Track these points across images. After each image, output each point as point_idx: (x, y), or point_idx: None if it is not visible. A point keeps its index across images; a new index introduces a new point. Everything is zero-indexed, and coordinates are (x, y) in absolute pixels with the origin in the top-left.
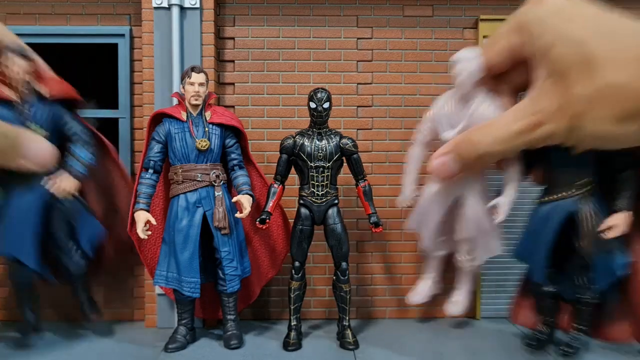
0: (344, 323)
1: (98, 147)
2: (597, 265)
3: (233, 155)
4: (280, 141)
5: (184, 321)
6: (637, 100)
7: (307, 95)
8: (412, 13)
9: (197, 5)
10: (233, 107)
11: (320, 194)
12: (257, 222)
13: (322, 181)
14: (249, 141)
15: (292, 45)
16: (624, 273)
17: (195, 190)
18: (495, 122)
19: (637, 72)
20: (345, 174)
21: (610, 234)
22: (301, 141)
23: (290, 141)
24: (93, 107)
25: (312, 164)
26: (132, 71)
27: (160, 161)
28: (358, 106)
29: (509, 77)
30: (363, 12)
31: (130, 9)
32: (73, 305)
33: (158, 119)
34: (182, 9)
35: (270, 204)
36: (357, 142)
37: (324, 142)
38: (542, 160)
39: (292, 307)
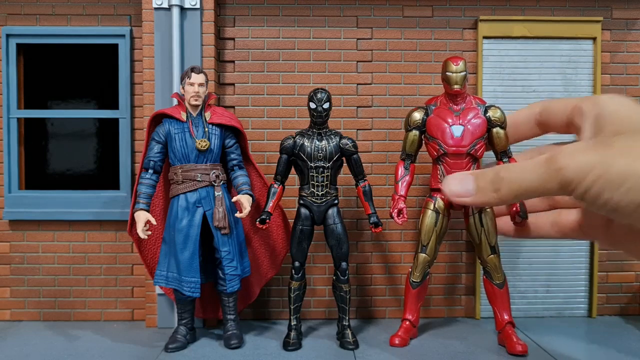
0: (344, 323)
1: None
2: None
3: (233, 156)
4: (280, 141)
5: (184, 321)
6: None
7: (307, 96)
8: (412, 13)
9: (198, 6)
10: (233, 107)
11: (320, 194)
12: (257, 222)
13: (322, 181)
14: (249, 141)
15: (292, 46)
16: None
17: (195, 190)
18: None
19: None
20: (345, 174)
21: None
22: (301, 141)
23: (290, 141)
24: (93, 107)
25: (312, 164)
26: (132, 71)
27: (160, 161)
28: (358, 106)
29: None
30: (363, 12)
31: (131, 10)
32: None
33: (158, 119)
34: (183, 9)
35: (270, 204)
36: (357, 142)
37: (324, 142)
38: None
39: (292, 307)
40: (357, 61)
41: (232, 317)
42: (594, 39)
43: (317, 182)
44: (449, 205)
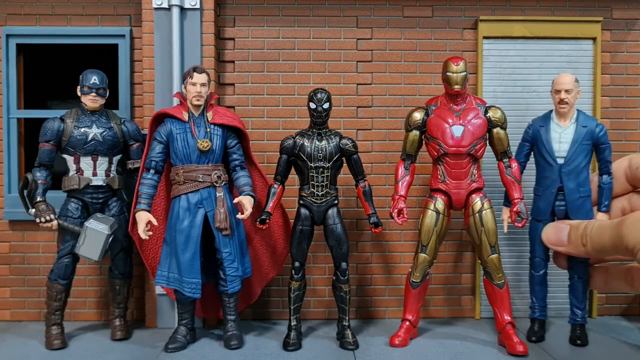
0: (344, 323)
1: None
2: None
3: (235, 156)
4: (280, 141)
5: (184, 321)
6: None
7: (307, 96)
8: (412, 14)
9: (197, 6)
10: (233, 107)
11: (320, 194)
12: (257, 223)
13: (322, 181)
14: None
15: (292, 46)
16: None
17: (197, 191)
18: None
19: None
20: (345, 174)
21: None
22: (301, 141)
23: (290, 141)
24: None
25: (312, 165)
26: (132, 72)
27: (162, 161)
28: (358, 106)
29: None
30: (363, 12)
31: (131, 10)
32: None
33: (160, 119)
34: (183, 9)
35: (270, 204)
36: (356, 142)
37: (324, 142)
38: None
39: (292, 307)
40: (357, 61)
41: (232, 317)
42: (594, 39)
43: (317, 182)
44: (449, 206)
